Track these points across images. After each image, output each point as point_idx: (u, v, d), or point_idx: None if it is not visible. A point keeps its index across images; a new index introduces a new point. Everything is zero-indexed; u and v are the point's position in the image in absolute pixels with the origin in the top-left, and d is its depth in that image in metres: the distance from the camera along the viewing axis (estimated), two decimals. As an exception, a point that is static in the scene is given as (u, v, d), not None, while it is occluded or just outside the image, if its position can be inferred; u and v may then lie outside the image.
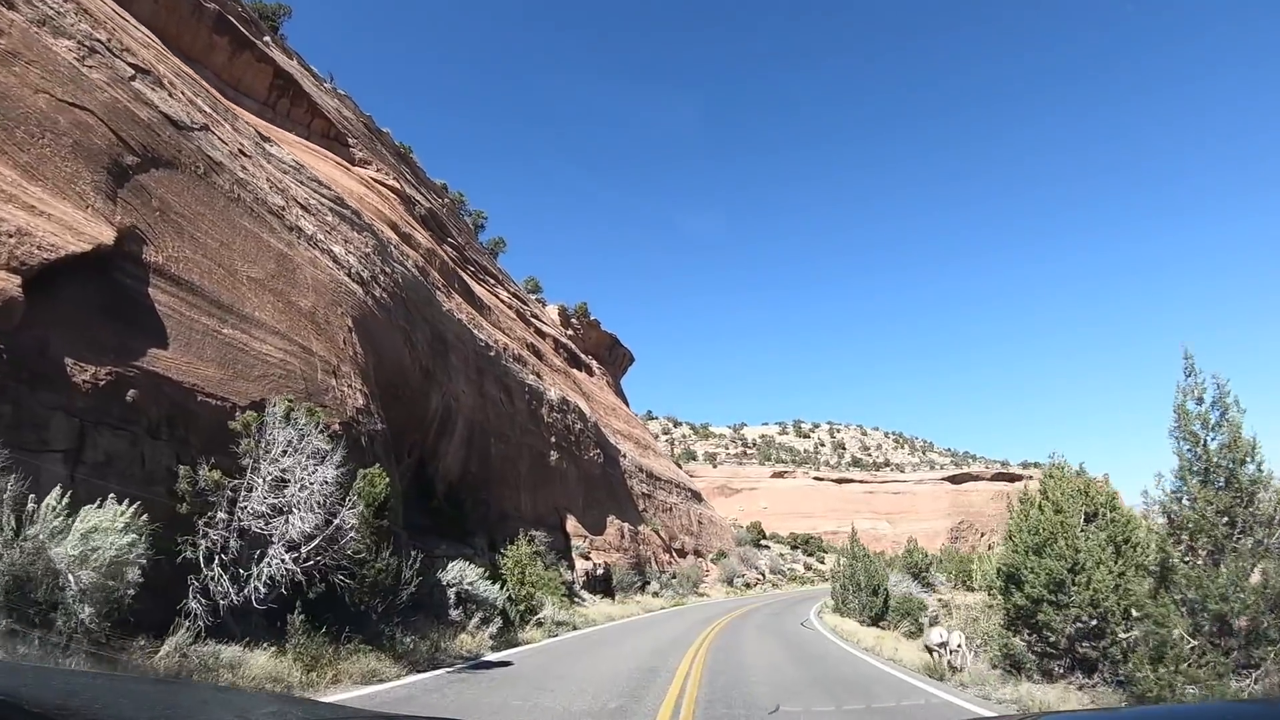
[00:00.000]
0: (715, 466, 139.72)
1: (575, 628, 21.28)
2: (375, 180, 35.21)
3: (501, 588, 15.85)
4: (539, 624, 18.73)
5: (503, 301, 45.85)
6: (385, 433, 14.93)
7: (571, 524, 34.89)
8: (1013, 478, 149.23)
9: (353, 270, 19.99)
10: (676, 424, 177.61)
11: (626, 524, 43.28)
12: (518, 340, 41.08)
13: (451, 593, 13.99)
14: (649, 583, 40.66)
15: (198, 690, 3.44)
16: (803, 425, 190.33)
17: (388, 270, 24.32)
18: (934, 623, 18.10)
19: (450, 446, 27.93)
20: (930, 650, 15.09)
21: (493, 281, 47.50)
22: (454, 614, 13.73)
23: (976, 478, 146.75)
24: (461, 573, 14.46)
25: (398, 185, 37.73)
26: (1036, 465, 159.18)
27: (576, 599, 28.53)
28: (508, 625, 16.16)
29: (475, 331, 33.09)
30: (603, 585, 34.00)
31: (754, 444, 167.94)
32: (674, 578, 45.10)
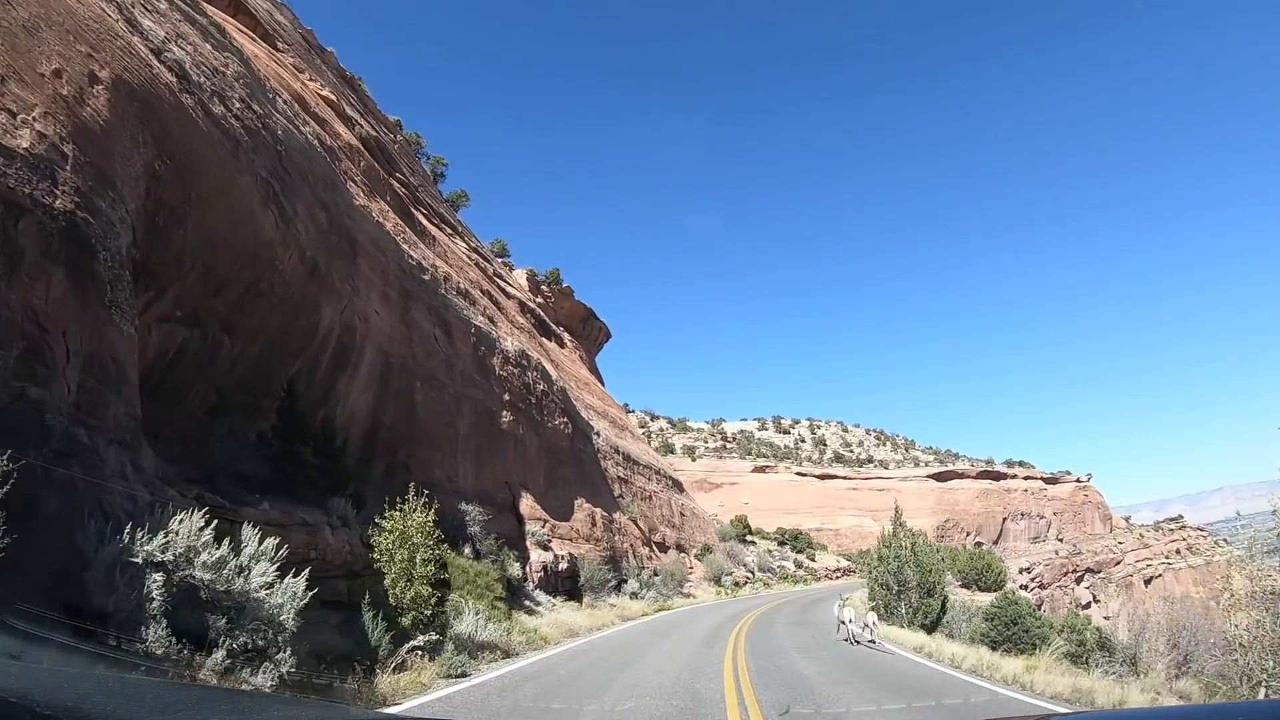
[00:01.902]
0: (694, 460, 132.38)
1: (508, 655, 13.38)
2: (315, 91, 27.16)
3: (312, 583, 7.89)
4: (432, 651, 10.80)
5: (461, 254, 37.63)
6: (85, 229, 7.07)
7: (527, 504, 27.02)
8: (998, 476, 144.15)
9: (167, 55, 12.40)
10: (654, 417, 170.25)
11: (600, 510, 35.51)
12: (470, 281, 33.09)
13: (153, 584, 5.96)
14: (626, 580, 32.89)
15: (210, 693, 3.22)
16: (782, 421, 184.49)
17: (256, 110, 16.49)
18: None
19: (354, 384, 20.05)
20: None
21: (449, 231, 39.21)
22: (152, 636, 5.76)
23: (961, 476, 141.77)
24: (190, 543, 6.43)
25: (334, 99, 29.66)
26: (1022, 464, 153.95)
27: (527, 603, 20.76)
28: (359, 662, 8.45)
29: (405, 247, 25.20)
30: (567, 584, 26.19)
31: (733, 439, 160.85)
32: (656, 575, 37.36)
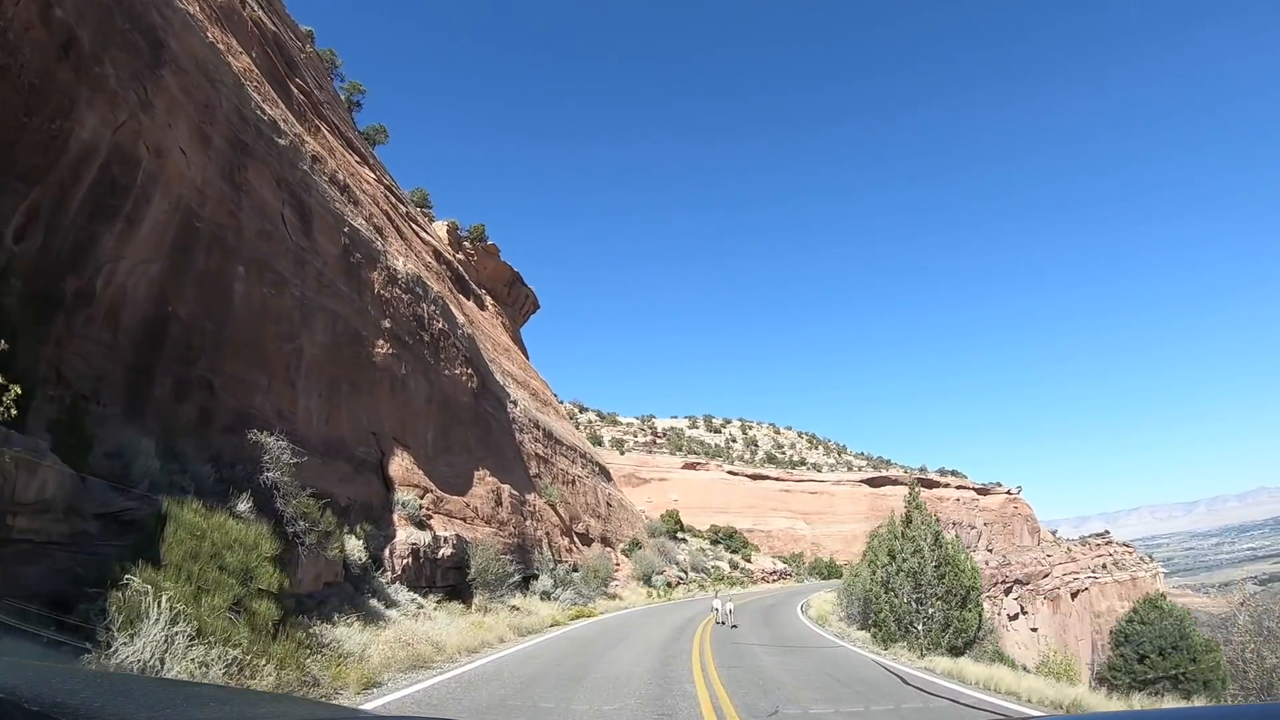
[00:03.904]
0: (623, 454, 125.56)
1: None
2: None
3: None
4: None
5: (366, 179, 29.53)
6: None
7: (403, 465, 19.70)
8: (931, 484, 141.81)
9: None
10: (583, 409, 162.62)
11: (509, 487, 28.35)
12: (367, 195, 25.36)
13: None
14: (537, 576, 25.85)
15: (197, 690, 3.13)
16: (714, 420, 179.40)
17: None
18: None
19: (129, 245, 12.71)
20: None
21: (359, 159, 31.05)
22: None
23: (895, 482, 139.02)
24: None
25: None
26: (954, 473, 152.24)
27: (375, 602, 13.58)
28: None
29: (255, 96, 17.72)
30: (450, 576, 19.01)
31: (663, 434, 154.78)
32: (575, 570, 30.38)
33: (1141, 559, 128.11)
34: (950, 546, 16.13)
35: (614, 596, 34.03)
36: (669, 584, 43.49)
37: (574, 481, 44.88)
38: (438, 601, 16.82)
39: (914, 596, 15.54)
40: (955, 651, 14.62)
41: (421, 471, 20.73)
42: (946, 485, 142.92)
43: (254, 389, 15.49)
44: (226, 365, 14.96)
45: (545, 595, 24.84)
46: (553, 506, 35.32)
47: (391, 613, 13.61)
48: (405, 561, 16.60)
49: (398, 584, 15.62)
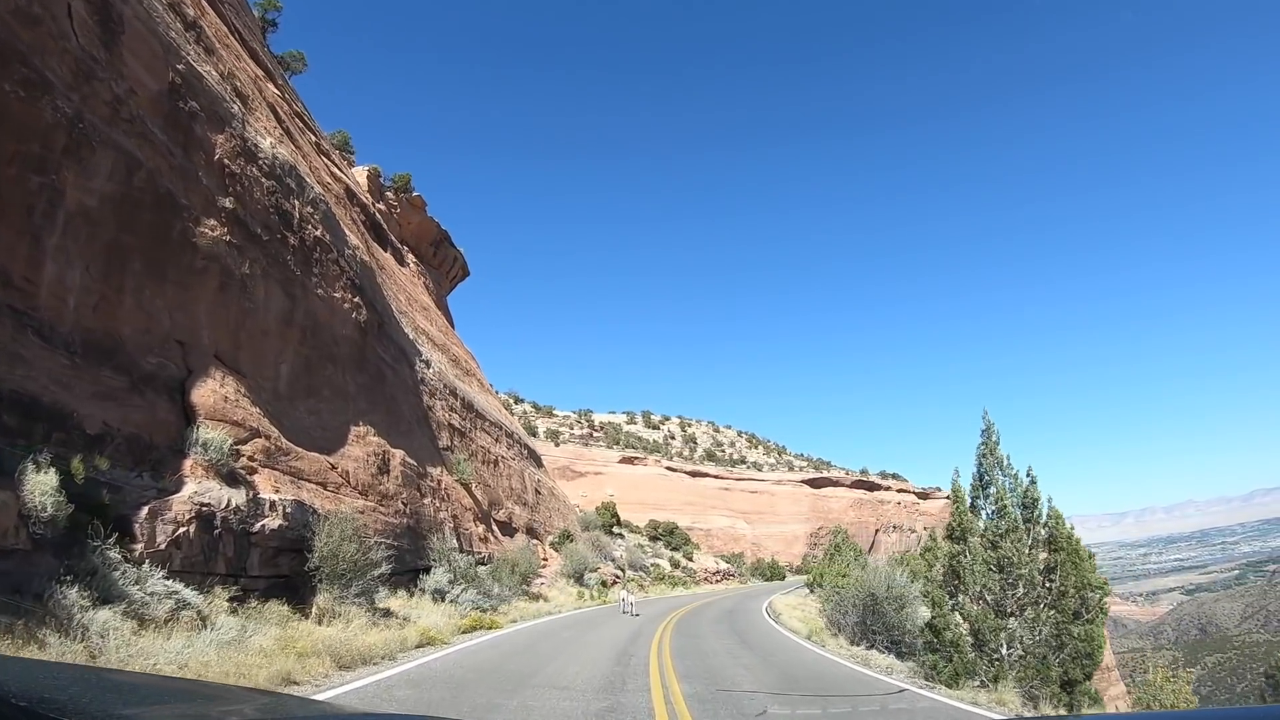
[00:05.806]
0: (558, 445, 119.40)
1: None
2: None
3: None
4: None
5: (248, 65, 22.08)
6: None
7: (221, 393, 13.22)
8: (872, 486, 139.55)
9: None
10: (518, 400, 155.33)
11: (402, 453, 21.99)
12: (245, 75, 18.47)
13: None
14: (431, 568, 19.62)
15: (187, 685, 3.13)
16: (652, 416, 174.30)
17: None
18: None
19: None
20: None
21: (263, 74, 23.58)
22: None
23: (836, 483, 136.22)
24: None
25: None
26: (896, 476, 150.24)
27: (77, 596, 7.33)
28: None
29: None
30: (282, 563, 12.69)
31: (601, 428, 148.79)
32: (485, 563, 24.15)
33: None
34: (1059, 522, 10.45)
35: (537, 597, 27.90)
36: (604, 583, 37.46)
37: (497, 462, 38.55)
38: (233, 599, 10.47)
39: (999, 601, 9.88)
40: (1069, 686, 9.16)
41: (258, 410, 14.27)
42: (888, 488, 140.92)
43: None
44: None
45: (439, 595, 18.60)
46: (466, 486, 28.99)
47: (102, 614, 7.35)
48: (181, 530, 10.22)
49: (152, 564, 9.29)
